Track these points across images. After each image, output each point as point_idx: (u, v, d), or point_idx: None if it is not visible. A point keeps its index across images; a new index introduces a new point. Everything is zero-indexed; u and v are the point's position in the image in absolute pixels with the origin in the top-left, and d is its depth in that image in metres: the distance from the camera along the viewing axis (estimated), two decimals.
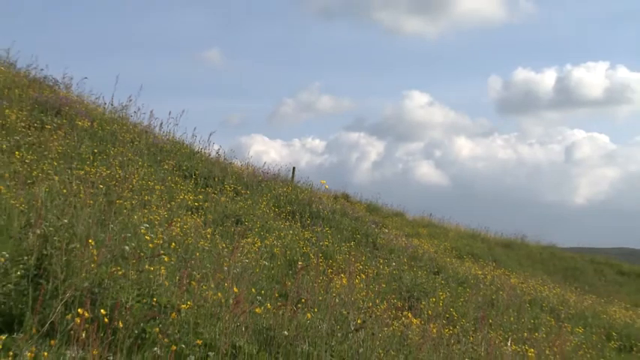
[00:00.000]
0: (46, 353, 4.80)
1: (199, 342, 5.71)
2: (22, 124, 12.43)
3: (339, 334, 6.74)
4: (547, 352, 9.07)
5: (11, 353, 4.66)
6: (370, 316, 7.86)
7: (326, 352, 6.24)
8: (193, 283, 6.92)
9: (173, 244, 8.37)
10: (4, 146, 10.83)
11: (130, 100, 17.24)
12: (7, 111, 12.69)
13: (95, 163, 11.73)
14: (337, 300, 7.95)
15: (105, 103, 17.23)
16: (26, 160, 10.38)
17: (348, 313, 7.56)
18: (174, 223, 9.49)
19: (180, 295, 6.36)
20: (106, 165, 11.83)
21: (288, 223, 13.63)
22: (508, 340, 9.06)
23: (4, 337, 4.90)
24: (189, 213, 11.49)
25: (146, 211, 9.94)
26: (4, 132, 11.69)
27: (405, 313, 9.06)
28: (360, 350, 6.47)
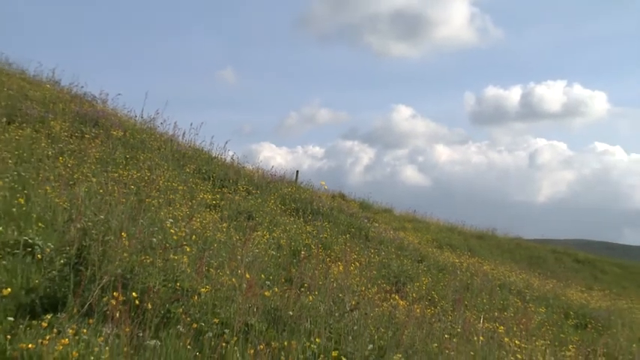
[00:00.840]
0: (85, 330, 4.81)
1: (216, 321, 5.72)
2: (65, 134, 12.44)
3: (336, 314, 6.75)
4: (514, 328, 9.05)
5: (55, 330, 4.67)
6: (363, 299, 7.86)
7: (325, 329, 6.24)
8: (211, 270, 6.93)
9: (194, 236, 8.37)
10: (50, 153, 10.84)
11: (157, 113, 17.30)
12: (52, 122, 12.70)
13: (127, 167, 11.73)
14: (335, 285, 7.95)
15: (136, 116, 17.29)
16: (68, 165, 10.38)
17: (344, 295, 7.56)
18: (195, 219, 9.48)
19: (200, 280, 6.36)
20: (136, 169, 11.83)
21: (292, 219, 13.63)
22: (481, 319, 9.05)
23: (49, 316, 4.91)
24: (208, 210, 11.49)
25: (171, 208, 9.94)
26: (49, 140, 11.70)
27: (392, 295, 9.05)
28: (355, 328, 6.47)
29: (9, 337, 4.47)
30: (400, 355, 5.96)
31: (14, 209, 7.32)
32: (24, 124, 12.06)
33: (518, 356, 7.58)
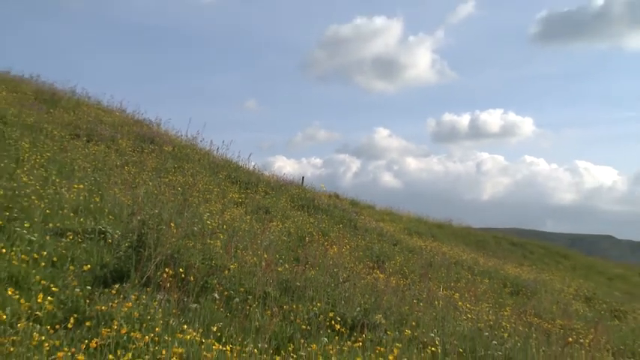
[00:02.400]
0: (144, 296, 4.80)
1: (242, 289, 5.70)
2: (129, 149, 12.44)
3: (332, 284, 6.74)
4: (466, 295, 9.03)
5: (122, 296, 4.66)
6: (352, 273, 7.84)
7: (324, 296, 6.23)
8: (238, 251, 6.91)
9: (225, 226, 8.35)
10: (118, 163, 10.84)
11: (198, 133, 17.16)
12: (120, 141, 12.70)
13: (175, 174, 11.71)
14: (331, 262, 7.94)
15: (181, 135, 17.17)
16: (131, 172, 10.38)
17: (338, 270, 7.55)
18: (225, 213, 9.47)
19: (229, 259, 6.35)
20: (182, 175, 11.81)
21: (299, 213, 13.58)
22: (440, 288, 9.03)
23: (117, 286, 4.90)
24: (235, 206, 11.45)
25: (208, 205, 9.92)
26: (117, 154, 11.70)
27: (374, 270, 9.04)
28: (346, 295, 6.45)
29: (88, 301, 4.47)
30: (380, 316, 5.94)
31: (92, 205, 7.32)
32: (99, 142, 12.06)
33: (469, 315, 7.55)
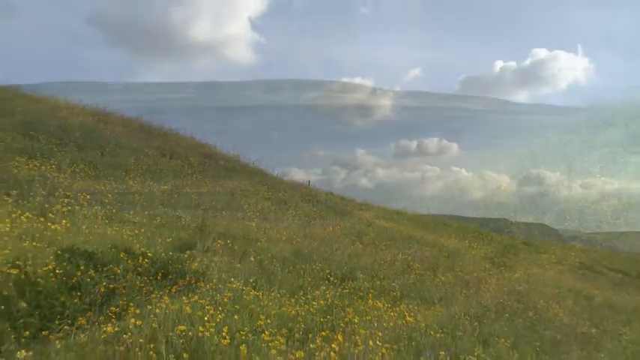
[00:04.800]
0: (205, 259, 4.83)
1: (269, 255, 5.70)
2: (196, 163, 12.44)
3: (328, 252, 6.75)
4: (415, 258, 9.01)
5: (191, 259, 4.69)
6: (341, 244, 7.84)
7: (323, 259, 6.24)
8: (267, 230, 6.92)
9: (258, 213, 8.35)
10: (189, 172, 10.86)
11: (240, 153, 17.07)
12: (190, 158, 12.73)
13: (226, 179, 11.72)
14: (328, 237, 7.94)
15: (230, 154, 17.06)
16: (197, 178, 10.40)
17: (332, 243, 7.55)
18: (258, 205, 9.47)
19: (261, 234, 6.37)
20: (230, 180, 11.81)
21: (307, 204, 13.54)
22: (399, 254, 9.01)
23: (188, 252, 4.92)
24: (265, 200, 11.42)
25: (246, 199, 9.92)
26: (189, 166, 11.72)
27: (356, 242, 9.02)
28: (337, 259, 6.47)
29: (170, 261, 4.50)
30: (360, 272, 5.96)
31: (172, 200, 7.35)
32: (177, 158, 12.10)
33: (417, 272, 7.55)
